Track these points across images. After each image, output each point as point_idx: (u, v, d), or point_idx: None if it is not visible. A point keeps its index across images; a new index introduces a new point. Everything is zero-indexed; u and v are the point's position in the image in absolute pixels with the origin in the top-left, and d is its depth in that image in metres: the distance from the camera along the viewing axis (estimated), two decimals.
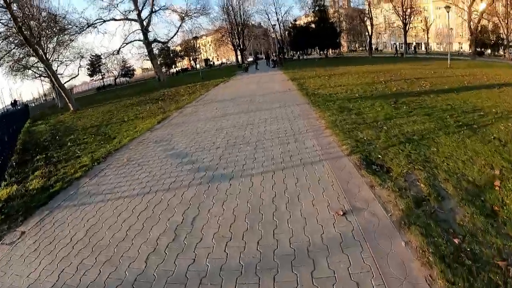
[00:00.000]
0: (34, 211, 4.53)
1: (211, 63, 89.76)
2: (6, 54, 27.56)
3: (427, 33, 78.87)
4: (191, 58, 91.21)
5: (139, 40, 41.12)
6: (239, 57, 61.61)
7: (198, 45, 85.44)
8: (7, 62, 30.99)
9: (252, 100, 11.79)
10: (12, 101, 54.58)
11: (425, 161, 4.37)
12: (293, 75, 20.55)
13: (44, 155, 8.13)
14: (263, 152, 5.40)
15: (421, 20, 68.40)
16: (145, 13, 39.92)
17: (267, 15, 63.52)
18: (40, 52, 21.06)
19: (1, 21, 21.09)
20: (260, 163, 4.92)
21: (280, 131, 6.64)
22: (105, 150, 7.37)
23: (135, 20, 39.25)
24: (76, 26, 34.83)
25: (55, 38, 30.33)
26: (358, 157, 4.64)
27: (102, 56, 53.38)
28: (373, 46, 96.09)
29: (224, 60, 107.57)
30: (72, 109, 20.62)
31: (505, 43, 52.71)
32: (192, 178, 4.70)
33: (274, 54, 45.54)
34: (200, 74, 34.34)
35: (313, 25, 54.25)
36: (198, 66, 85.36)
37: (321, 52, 63.45)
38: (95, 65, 76.32)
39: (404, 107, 8.02)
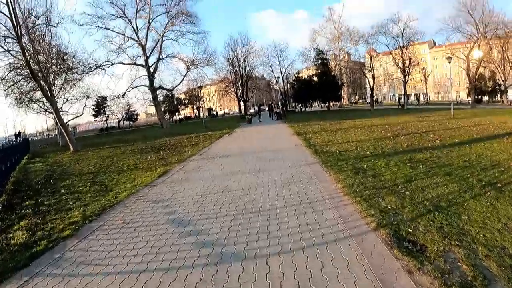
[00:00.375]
0: (12, 274, 3.97)
1: (214, 112, 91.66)
2: (13, 85, 27.67)
3: (425, 83, 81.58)
4: (194, 107, 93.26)
5: (144, 86, 42.10)
6: (242, 107, 62.74)
7: (202, 94, 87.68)
8: (14, 93, 31.10)
9: (260, 157, 11.23)
10: (16, 133, 56.16)
11: (461, 234, 3.94)
12: (298, 129, 20.42)
13: (34, 201, 7.62)
14: (277, 225, 4.73)
15: (419, 71, 71.02)
16: (152, 60, 41.43)
17: (270, 67, 64.47)
18: (46, 87, 21.19)
19: (11, 52, 21.45)
20: (275, 239, 4.24)
21: (293, 197, 6.03)
22: (99, 205, 6.79)
23: (142, 66, 40.60)
24: (85, 66, 36.03)
25: (63, 76, 30.87)
26: (386, 232, 4.09)
27: (108, 98, 54.49)
28: (374, 98, 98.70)
29: (226, 110, 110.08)
30: (72, 149, 20.37)
31: (502, 88, 54.46)
32: (196, 255, 4.00)
33: (277, 106, 46.18)
34: (203, 123, 34.48)
35: (315, 78, 55.85)
36: (201, 114, 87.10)
37: (323, 105, 64.75)
38: (100, 106, 77.85)
39: (421, 166, 7.67)
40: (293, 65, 63.80)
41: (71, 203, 7.16)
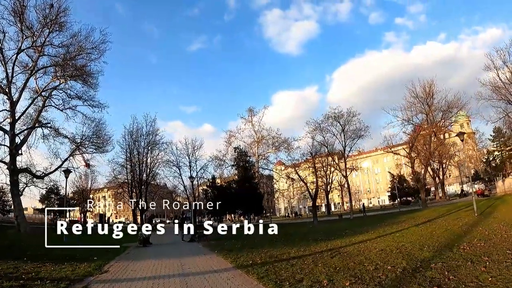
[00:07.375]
0: None
1: (106, 219, 76.73)
2: None
3: (342, 192, 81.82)
4: (82, 210, 78.08)
5: (1, 161, 28.46)
6: (138, 218, 50.20)
7: (93, 197, 73.81)
8: None
9: None
10: None
11: None
12: (265, 273, 8.88)
13: None
14: None
15: (331, 181, 68.66)
16: (22, 127, 30.23)
17: (178, 168, 52.61)
18: None
19: None
20: None
21: None
22: None
23: (4, 131, 28.25)
24: None
25: None
26: None
27: None
28: (294, 211, 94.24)
29: (123, 219, 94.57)
30: None
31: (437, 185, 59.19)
32: None
33: (188, 219, 35.63)
34: (64, 238, 22.40)
35: (235, 185, 46.76)
36: (90, 220, 72.32)
37: (242, 218, 56.33)
38: None
39: None
40: (206, 169, 53.27)
41: None
